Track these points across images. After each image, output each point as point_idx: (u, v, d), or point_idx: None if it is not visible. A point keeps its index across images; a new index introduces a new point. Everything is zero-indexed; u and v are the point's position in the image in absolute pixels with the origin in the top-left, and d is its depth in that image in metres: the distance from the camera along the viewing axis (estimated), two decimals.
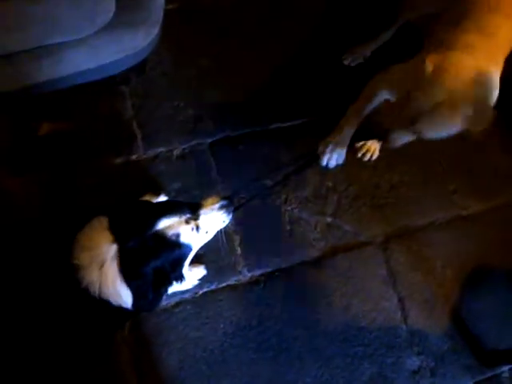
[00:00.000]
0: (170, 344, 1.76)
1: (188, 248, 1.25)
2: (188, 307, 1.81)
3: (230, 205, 1.34)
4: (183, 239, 1.22)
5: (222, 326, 1.82)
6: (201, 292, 1.84)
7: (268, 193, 2.00)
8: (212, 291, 1.85)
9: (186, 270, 1.34)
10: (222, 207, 1.32)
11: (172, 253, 1.22)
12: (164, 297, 1.35)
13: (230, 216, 1.36)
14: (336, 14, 2.38)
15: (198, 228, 1.27)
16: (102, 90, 1.99)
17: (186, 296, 1.81)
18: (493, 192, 2.22)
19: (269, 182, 2.03)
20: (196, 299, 1.83)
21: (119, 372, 1.71)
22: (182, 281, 1.30)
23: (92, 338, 1.38)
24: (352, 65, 2.27)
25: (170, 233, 1.20)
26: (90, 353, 1.46)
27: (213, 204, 1.32)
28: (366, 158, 2.10)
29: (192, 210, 1.28)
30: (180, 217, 1.23)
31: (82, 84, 1.72)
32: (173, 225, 1.21)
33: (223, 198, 1.34)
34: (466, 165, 2.24)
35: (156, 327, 1.76)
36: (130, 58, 1.66)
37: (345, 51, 2.27)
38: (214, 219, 1.31)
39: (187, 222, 1.24)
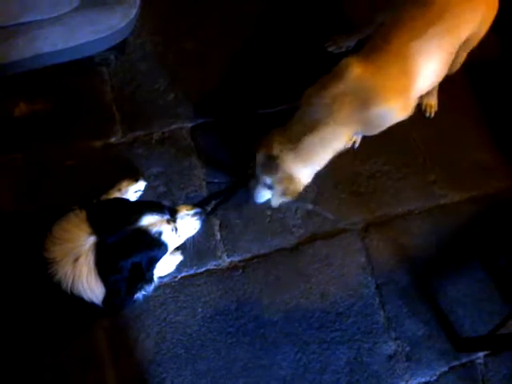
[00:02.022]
0: (147, 328, 1.75)
1: (165, 248, 1.26)
2: (166, 291, 1.80)
3: (202, 213, 1.42)
4: (164, 238, 1.24)
5: (200, 310, 1.81)
6: (179, 276, 1.84)
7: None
8: (191, 276, 1.85)
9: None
10: (195, 214, 1.39)
11: (152, 250, 1.22)
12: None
13: (201, 224, 1.42)
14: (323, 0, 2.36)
15: (176, 230, 1.29)
16: (82, 72, 1.96)
17: (165, 280, 1.80)
18: (471, 184, 2.24)
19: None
20: (175, 283, 1.82)
21: (96, 356, 1.69)
22: (151, 283, 1.32)
23: (63, 330, 1.35)
24: (335, 52, 2.26)
25: (154, 230, 1.21)
26: (63, 340, 1.44)
27: (187, 210, 1.38)
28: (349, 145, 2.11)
29: (170, 212, 1.31)
30: (162, 216, 1.25)
31: (62, 64, 1.69)
32: (156, 223, 1.22)
33: (197, 207, 1.42)
34: (447, 157, 2.26)
35: (133, 311, 1.75)
36: (108, 38, 1.64)
37: (329, 38, 2.25)
38: (188, 224, 1.37)
39: (168, 222, 1.26)
